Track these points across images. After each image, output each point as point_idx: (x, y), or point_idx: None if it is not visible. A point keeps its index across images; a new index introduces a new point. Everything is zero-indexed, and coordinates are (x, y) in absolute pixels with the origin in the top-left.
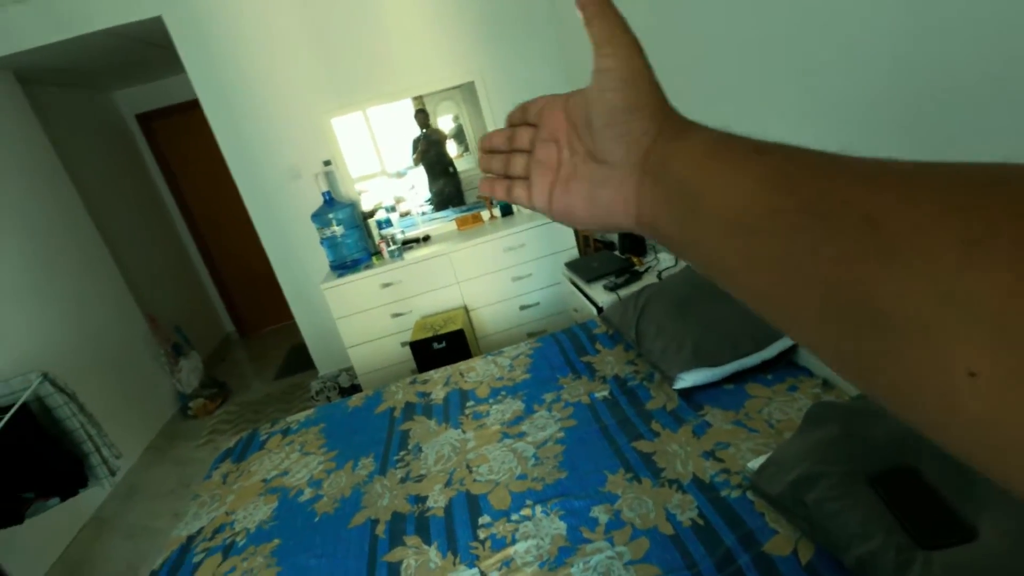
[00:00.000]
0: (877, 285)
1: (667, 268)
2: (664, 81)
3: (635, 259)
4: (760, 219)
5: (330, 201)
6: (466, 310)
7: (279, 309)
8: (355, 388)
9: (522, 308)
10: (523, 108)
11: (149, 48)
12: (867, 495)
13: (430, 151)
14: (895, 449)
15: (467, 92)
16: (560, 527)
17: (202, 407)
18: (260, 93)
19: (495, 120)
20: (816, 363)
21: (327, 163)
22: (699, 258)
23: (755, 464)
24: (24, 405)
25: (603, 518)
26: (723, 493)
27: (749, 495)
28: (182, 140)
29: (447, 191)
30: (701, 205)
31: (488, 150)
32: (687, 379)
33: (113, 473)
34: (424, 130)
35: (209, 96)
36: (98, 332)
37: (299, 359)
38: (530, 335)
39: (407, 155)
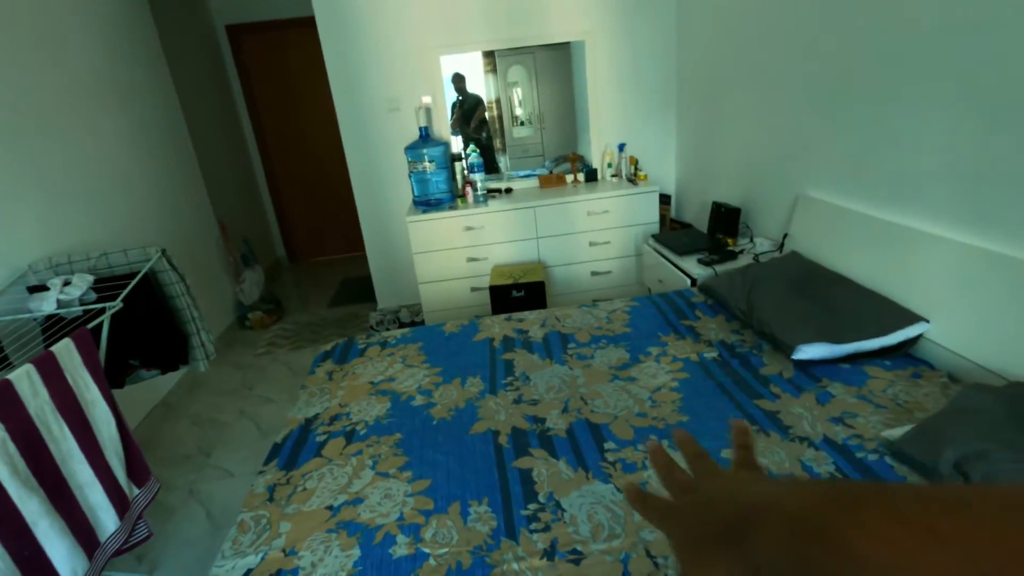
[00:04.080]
0: None
1: (764, 252)
2: None
3: (729, 240)
4: None
5: (426, 137)
6: (543, 265)
7: (332, 241)
8: (414, 325)
9: (593, 274)
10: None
11: None
12: None
13: (466, 116)
14: None
15: (546, 59)
16: None
17: (259, 320)
18: (375, 20)
19: (594, 86)
20: (938, 356)
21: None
22: None
23: (892, 433)
24: (144, 276)
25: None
26: (859, 455)
27: (888, 460)
28: (269, 58)
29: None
30: None
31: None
32: (807, 351)
33: (209, 357)
34: (460, 96)
35: (326, 13)
36: (180, 229)
37: (352, 291)
38: (595, 301)
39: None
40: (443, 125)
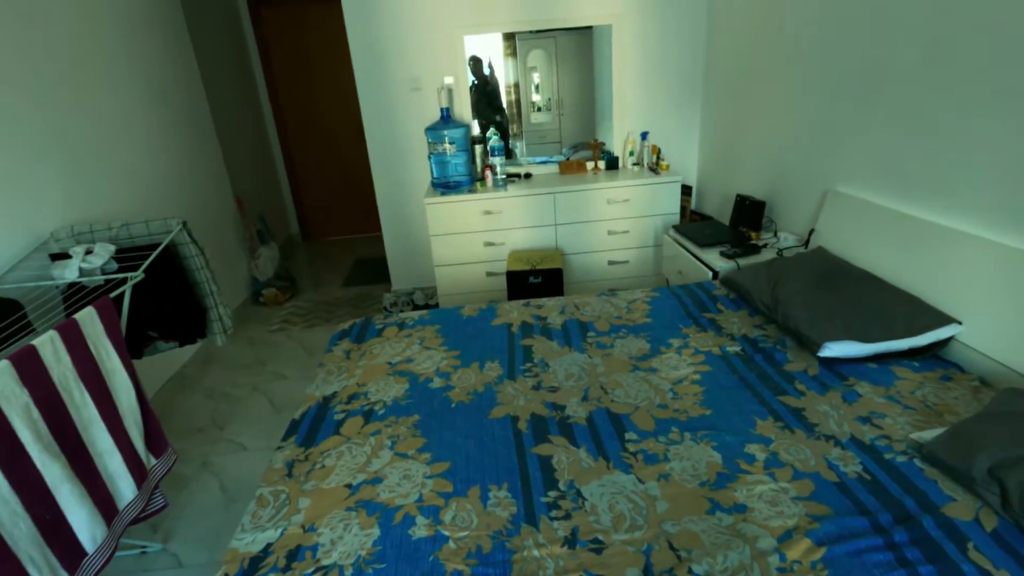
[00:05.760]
0: None
1: (789, 247)
2: None
3: (752, 233)
4: None
5: (447, 118)
6: (560, 252)
7: (347, 220)
8: (428, 307)
9: (610, 263)
10: None
11: None
12: None
13: (483, 100)
14: None
15: (567, 44)
16: (714, 456)
17: (273, 297)
18: None
19: (619, 71)
20: (969, 359)
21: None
22: None
23: (922, 436)
24: (164, 248)
25: (760, 455)
26: (887, 456)
27: (918, 462)
28: (289, 34)
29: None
30: None
31: None
32: (834, 349)
33: (227, 331)
34: (476, 80)
35: None
36: (198, 201)
37: (365, 271)
38: (612, 291)
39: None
40: (465, 107)
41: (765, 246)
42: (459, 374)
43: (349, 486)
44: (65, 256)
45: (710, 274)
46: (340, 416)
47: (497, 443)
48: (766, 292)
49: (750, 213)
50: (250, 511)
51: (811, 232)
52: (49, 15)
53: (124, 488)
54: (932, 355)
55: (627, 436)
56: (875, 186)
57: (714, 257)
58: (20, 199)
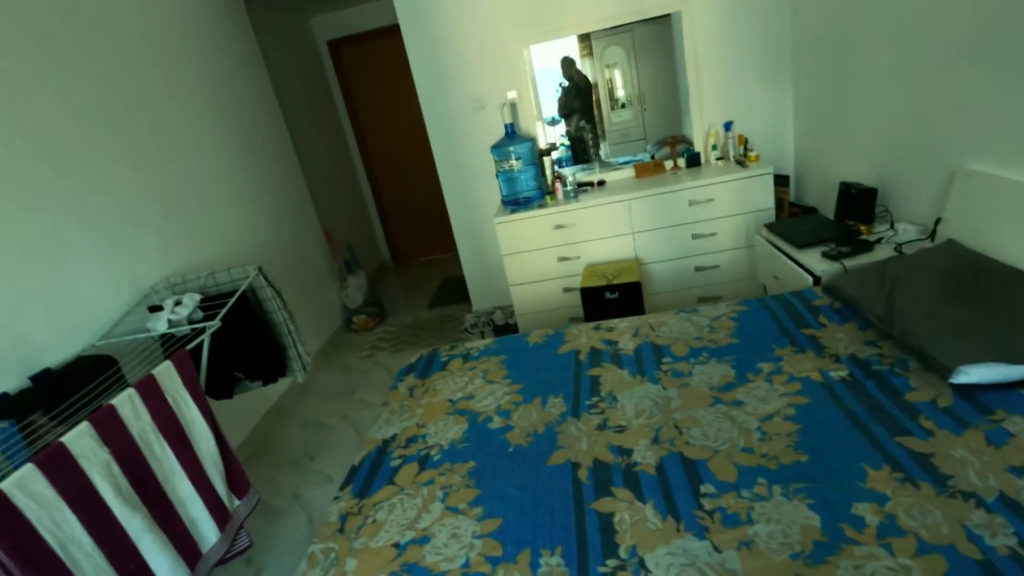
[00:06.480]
0: None
1: (910, 241)
2: None
3: (862, 227)
4: None
5: (512, 134)
6: (639, 263)
7: (432, 242)
8: (508, 327)
9: (697, 270)
10: None
11: None
12: None
13: (575, 100)
14: None
15: (645, 35)
16: (811, 518)
17: (364, 323)
18: (457, 19)
19: (693, 60)
20: None
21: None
22: None
23: None
24: (243, 293)
25: (871, 519)
26: None
27: None
28: (365, 68)
29: (586, 142)
30: None
31: None
32: (972, 374)
33: (306, 368)
34: (569, 80)
35: (409, 19)
36: (288, 240)
37: (450, 292)
38: (700, 300)
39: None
40: (530, 120)
41: (879, 242)
42: (520, 412)
43: (396, 545)
44: (159, 308)
45: (810, 280)
46: (396, 462)
47: (554, 496)
48: (880, 300)
49: (858, 203)
50: (300, 572)
51: (937, 221)
52: (139, 87)
53: (207, 532)
54: None
55: (702, 489)
56: (1018, 160)
57: (815, 259)
58: (125, 257)
